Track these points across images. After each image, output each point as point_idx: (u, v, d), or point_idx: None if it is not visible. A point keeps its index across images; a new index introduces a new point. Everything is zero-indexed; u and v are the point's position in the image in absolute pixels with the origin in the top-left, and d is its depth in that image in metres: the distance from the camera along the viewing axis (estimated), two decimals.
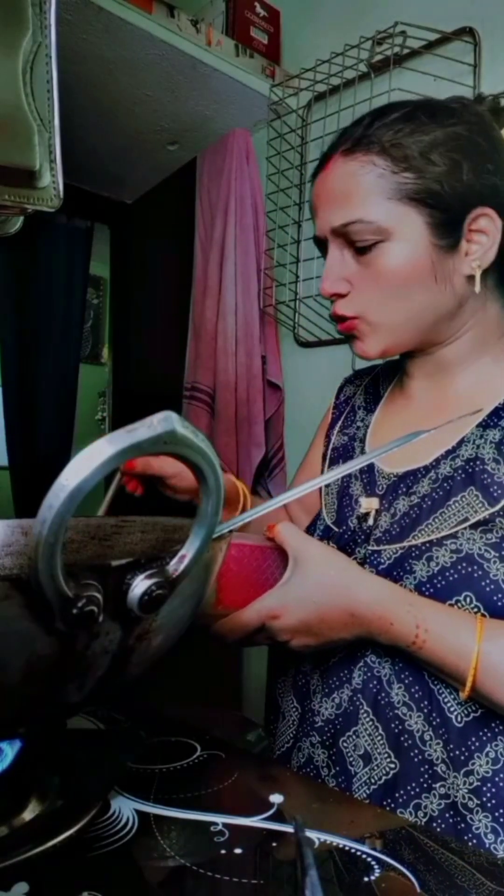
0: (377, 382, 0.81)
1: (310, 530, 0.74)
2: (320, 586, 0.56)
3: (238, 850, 0.39)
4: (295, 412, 1.68)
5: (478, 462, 0.60)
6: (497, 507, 0.58)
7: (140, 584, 0.33)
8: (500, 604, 0.54)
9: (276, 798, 0.45)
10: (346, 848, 0.40)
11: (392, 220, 0.60)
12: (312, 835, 0.40)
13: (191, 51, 1.44)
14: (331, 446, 0.80)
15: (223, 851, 0.39)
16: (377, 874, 0.37)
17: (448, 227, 0.61)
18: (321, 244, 0.68)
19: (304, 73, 1.48)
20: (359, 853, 0.39)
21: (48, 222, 2.22)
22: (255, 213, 1.68)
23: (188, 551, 0.35)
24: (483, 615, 0.54)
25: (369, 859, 0.38)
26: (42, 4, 0.59)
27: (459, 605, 0.55)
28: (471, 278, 0.63)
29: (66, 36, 1.35)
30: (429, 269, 0.61)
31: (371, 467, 0.69)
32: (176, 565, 0.34)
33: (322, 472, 0.80)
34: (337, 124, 1.40)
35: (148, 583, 0.33)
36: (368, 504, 0.66)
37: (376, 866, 0.38)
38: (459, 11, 1.24)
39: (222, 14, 1.61)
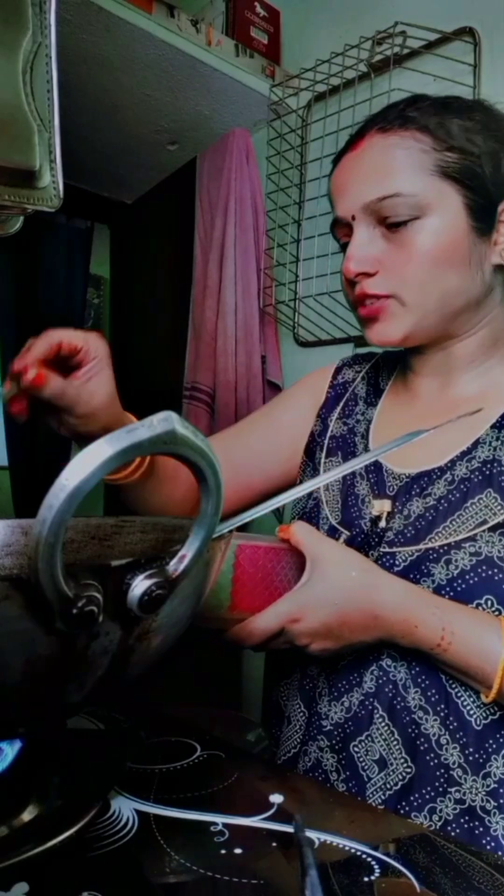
0: (377, 373, 0.78)
1: None
2: (341, 588, 0.54)
3: (238, 850, 0.39)
4: None
5: (495, 464, 0.60)
6: None
7: (140, 584, 0.33)
8: None
9: (276, 798, 0.45)
10: (347, 848, 0.39)
11: (432, 195, 0.59)
12: (312, 835, 0.40)
13: (191, 51, 1.44)
14: (329, 434, 0.76)
15: (223, 851, 0.39)
16: (377, 874, 0.37)
17: (484, 212, 0.60)
18: (341, 228, 0.66)
19: (304, 73, 1.48)
20: (359, 853, 0.39)
21: (48, 222, 2.22)
22: (255, 213, 1.68)
23: (188, 551, 0.35)
24: None
25: (369, 859, 0.38)
26: (42, 4, 0.59)
27: (480, 608, 0.54)
28: (499, 268, 0.62)
29: (66, 36, 1.35)
30: (464, 251, 0.60)
31: (378, 467, 0.67)
32: (176, 565, 0.34)
33: (314, 454, 0.77)
34: (337, 124, 1.40)
35: (148, 583, 0.33)
36: (381, 506, 0.64)
37: (376, 866, 0.38)
38: (459, 11, 1.24)
39: (222, 14, 1.61)
